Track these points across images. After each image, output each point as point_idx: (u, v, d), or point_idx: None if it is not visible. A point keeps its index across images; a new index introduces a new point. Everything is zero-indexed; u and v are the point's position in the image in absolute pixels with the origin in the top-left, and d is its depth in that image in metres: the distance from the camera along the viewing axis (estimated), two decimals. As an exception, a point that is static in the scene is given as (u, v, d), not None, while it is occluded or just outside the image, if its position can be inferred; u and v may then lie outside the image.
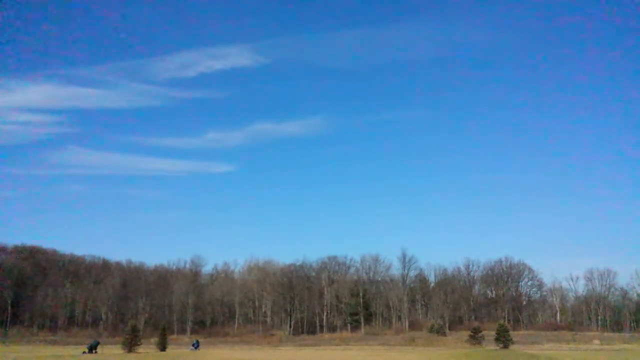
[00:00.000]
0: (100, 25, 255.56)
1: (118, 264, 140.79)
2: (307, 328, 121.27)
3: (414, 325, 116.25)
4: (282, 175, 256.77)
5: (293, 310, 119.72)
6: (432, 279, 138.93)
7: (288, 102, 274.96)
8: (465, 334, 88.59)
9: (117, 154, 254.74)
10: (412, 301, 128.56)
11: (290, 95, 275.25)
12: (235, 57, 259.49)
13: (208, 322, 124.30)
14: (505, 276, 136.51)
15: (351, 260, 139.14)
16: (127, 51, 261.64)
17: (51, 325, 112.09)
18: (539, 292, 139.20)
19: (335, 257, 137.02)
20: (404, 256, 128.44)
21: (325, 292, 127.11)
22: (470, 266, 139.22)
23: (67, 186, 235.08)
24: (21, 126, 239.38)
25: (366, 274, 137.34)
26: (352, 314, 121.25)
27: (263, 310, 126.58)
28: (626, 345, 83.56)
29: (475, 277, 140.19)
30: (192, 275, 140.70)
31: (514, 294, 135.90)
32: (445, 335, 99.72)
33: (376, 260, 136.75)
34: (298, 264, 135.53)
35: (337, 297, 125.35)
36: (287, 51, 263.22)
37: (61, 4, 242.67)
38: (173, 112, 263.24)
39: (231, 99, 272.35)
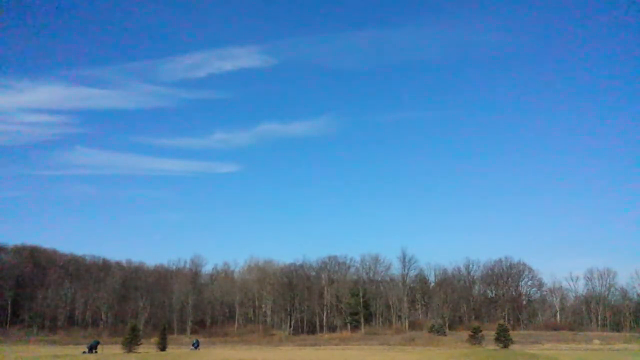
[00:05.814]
0: (109, 25, 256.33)
1: (118, 264, 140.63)
2: (307, 328, 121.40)
3: (414, 325, 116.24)
4: (285, 175, 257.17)
5: (293, 310, 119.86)
6: (432, 279, 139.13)
7: (295, 102, 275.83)
8: (465, 334, 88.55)
9: (124, 155, 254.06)
10: (412, 301, 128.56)
11: (297, 95, 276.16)
12: (245, 58, 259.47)
13: (208, 322, 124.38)
14: (505, 276, 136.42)
15: (351, 260, 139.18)
16: (136, 52, 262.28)
17: (51, 325, 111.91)
18: (539, 292, 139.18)
19: (335, 257, 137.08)
20: (404, 256, 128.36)
21: (325, 292, 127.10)
22: (470, 266, 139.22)
23: (70, 186, 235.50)
24: (28, 127, 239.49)
25: (366, 273, 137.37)
26: (352, 314, 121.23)
27: (263, 310, 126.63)
28: (626, 345, 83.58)
29: (475, 277, 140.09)
30: (192, 275, 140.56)
31: (514, 293, 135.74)
32: (445, 335, 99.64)
33: (376, 260, 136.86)
34: (298, 263, 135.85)
35: (337, 297, 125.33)
36: (295, 52, 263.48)
37: (70, 4, 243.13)
38: (180, 113, 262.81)
39: (239, 99, 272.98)
